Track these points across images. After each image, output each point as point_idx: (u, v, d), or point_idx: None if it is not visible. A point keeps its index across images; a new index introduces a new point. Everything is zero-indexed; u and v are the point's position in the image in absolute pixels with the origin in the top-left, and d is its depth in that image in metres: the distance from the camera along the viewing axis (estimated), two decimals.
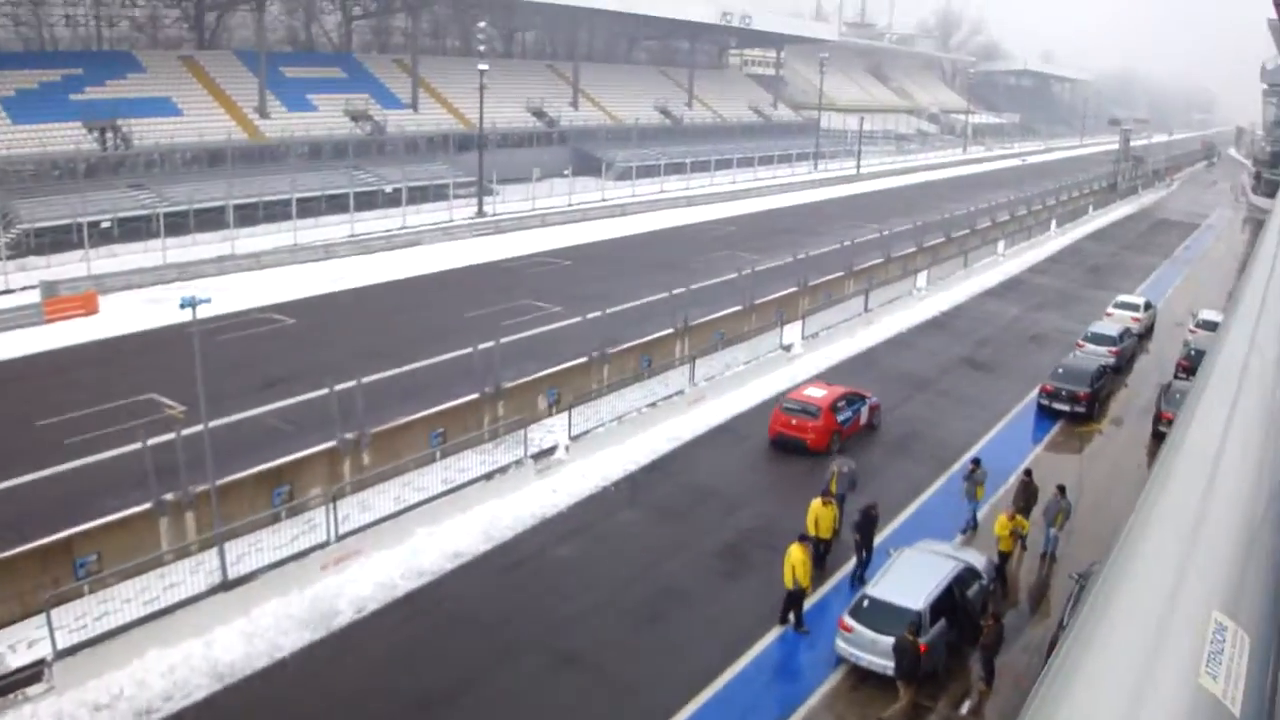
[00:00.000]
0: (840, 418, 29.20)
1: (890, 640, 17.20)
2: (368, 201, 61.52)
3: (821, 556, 21.73)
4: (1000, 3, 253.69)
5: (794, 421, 28.81)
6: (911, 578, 18.87)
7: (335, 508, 20.73)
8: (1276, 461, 4.37)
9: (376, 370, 29.08)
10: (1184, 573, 3.11)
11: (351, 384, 24.18)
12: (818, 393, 29.85)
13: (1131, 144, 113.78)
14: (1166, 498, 3.71)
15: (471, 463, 24.95)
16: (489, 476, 24.35)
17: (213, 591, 18.61)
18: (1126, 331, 40.20)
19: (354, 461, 24.00)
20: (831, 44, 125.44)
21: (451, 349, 32.00)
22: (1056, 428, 32.03)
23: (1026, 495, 23.61)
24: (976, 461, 24.93)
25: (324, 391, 24.14)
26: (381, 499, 22.56)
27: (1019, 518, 22.18)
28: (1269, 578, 3.38)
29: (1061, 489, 23.10)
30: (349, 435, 23.94)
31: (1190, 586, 3.05)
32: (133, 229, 50.99)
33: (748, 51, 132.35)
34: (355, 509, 22.06)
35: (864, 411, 30.42)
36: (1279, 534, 3.66)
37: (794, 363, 36.04)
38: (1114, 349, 37.73)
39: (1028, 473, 24.62)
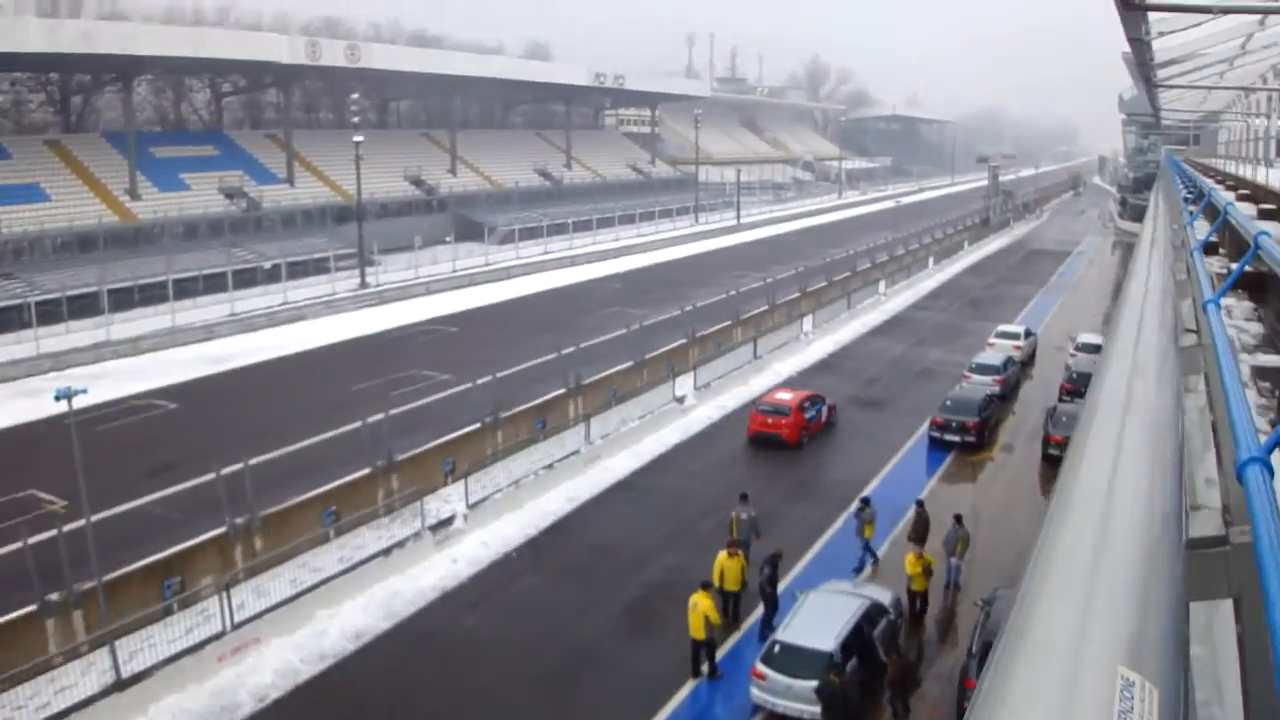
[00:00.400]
0: (807, 415, 33.56)
1: (804, 684, 17.19)
2: (247, 279, 60.14)
3: (731, 610, 21.69)
4: (865, 53, 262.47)
5: (769, 420, 33.08)
6: (820, 619, 18.92)
7: (229, 596, 20.04)
8: (1165, 493, 4.40)
9: (264, 451, 28.29)
10: (1085, 628, 3.06)
11: (239, 466, 23.51)
12: (786, 395, 34.79)
13: (1000, 179, 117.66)
14: (1061, 545, 3.69)
15: (368, 539, 24.39)
16: (387, 552, 23.81)
17: (106, 692, 17.77)
18: (1009, 360, 41.24)
19: (245, 547, 23.23)
20: (705, 100, 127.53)
21: (340, 424, 31.15)
22: (949, 458, 32.61)
23: (919, 525, 24.04)
24: (865, 501, 25.36)
25: (210, 476, 23.42)
26: (277, 583, 21.81)
27: (925, 554, 22.43)
28: (1167, 621, 3.36)
29: (958, 518, 23.48)
30: (239, 520, 23.21)
31: (1093, 643, 3.00)
32: (3, 320, 49.18)
33: (623, 111, 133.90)
34: (250, 596, 21.28)
35: (824, 411, 34.92)
36: (1172, 570, 3.65)
37: (688, 414, 36.14)
38: (998, 378, 38.65)
39: (919, 503, 25.03)
